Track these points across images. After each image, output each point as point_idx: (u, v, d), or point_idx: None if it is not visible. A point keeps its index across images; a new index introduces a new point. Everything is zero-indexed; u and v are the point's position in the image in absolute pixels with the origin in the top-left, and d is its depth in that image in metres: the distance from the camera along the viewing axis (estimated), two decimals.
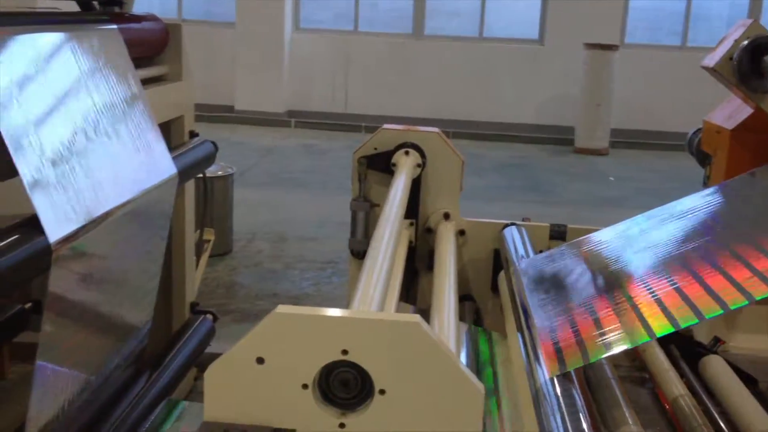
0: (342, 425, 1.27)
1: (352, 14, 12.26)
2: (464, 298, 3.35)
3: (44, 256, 1.81)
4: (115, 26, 2.59)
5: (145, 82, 2.90)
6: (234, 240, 5.77)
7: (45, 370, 2.05)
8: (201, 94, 13.34)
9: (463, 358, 2.73)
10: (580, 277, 2.51)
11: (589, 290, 2.35)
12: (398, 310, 2.83)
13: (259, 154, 9.70)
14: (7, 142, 1.78)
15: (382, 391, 1.25)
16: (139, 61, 2.84)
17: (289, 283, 5.04)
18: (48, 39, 2.17)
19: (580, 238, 2.87)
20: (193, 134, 3.22)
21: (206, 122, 11.31)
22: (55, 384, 2.15)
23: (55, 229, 1.85)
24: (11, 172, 1.82)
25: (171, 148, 2.86)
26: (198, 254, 3.54)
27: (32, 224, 1.83)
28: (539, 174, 9.44)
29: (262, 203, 7.09)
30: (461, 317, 3.13)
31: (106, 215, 2.14)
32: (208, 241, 3.67)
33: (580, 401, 1.77)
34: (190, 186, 3.25)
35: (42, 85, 2.03)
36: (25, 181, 1.81)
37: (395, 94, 11.99)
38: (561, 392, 1.80)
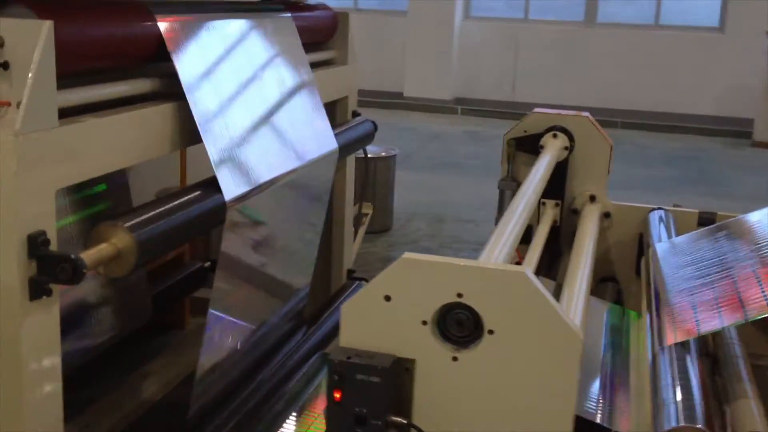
0: (455, 359, 1.47)
1: (522, 1, 12.27)
2: (608, 279, 3.44)
3: (220, 212, 2.11)
4: (288, 14, 2.89)
5: (315, 65, 3.19)
6: (394, 219, 6.05)
7: (216, 318, 2.37)
8: (372, 81, 13.72)
9: (601, 333, 2.85)
10: (721, 252, 2.54)
11: (728, 264, 2.38)
12: None
13: (425, 139, 9.97)
14: (194, 112, 2.09)
15: (491, 332, 1.44)
16: (310, 46, 3.14)
17: None
18: (230, 25, 2.48)
19: (728, 221, 2.89)
20: (355, 114, 3.49)
21: (377, 108, 11.74)
22: (224, 330, 2.48)
23: (230, 189, 2.15)
24: (196, 139, 2.14)
25: (335, 125, 3.14)
26: (356, 226, 3.82)
27: (211, 184, 2.14)
28: (711, 167, 9.12)
29: (423, 185, 7.35)
30: (602, 296, 3.23)
31: (274, 181, 2.44)
32: (366, 214, 3.94)
33: (694, 372, 1.87)
34: (350, 162, 3.52)
35: (224, 64, 2.34)
36: (207, 146, 2.12)
37: (564, 83, 11.90)
38: (677, 363, 1.90)
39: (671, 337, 1.99)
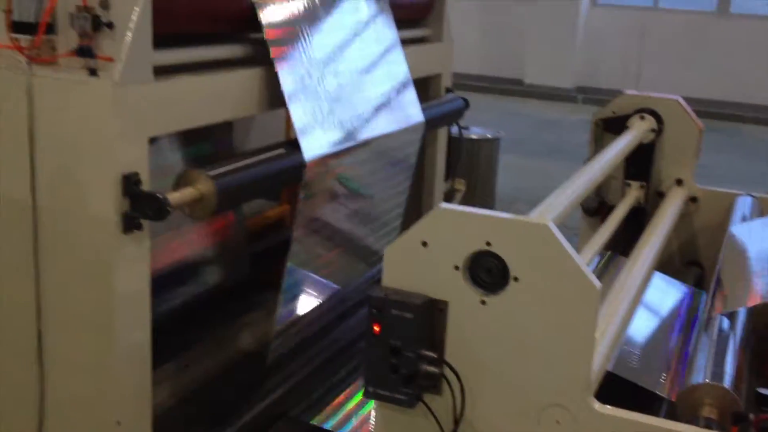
0: (483, 302, 1.60)
1: None
2: (693, 263, 3.44)
3: (298, 171, 2.30)
4: None
5: (409, 41, 3.33)
6: (497, 200, 6.14)
7: (294, 272, 2.56)
8: (492, 67, 13.68)
9: (677, 313, 2.89)
10: None
11: None
12: (610, 260, 3.04)
13: (541, 126, 9.95)
14: (280, 78, 2.28)
15: (516, 279, 1.56)
16: (404, 23, 3.28)
17: None
18: None
19: None
20: (448, 90, 3.61)
21: (495, 94, 11.78)
22: (303, 285, 2.67)
23: (310, 150, 2.34)
24: (282, 103, 2.33)
25: (425, 100, 3.28)
26: (448, 201, 3.95)
27: (294, 144, 2.33)
28: None
29: (531, 170, 7.39)
30: (685, 279, 3.25)
31: (355, 147, 2.61)
32: (459, 190, 4.06)
33: (733, 341, 1.92)
34: (441, 136, 3.65)
35: (312, 34, 2.52)
36: (291, 110, 2.31)
37: (691, 75, 11.56)
38: (718, 332, 1.95)
39: (720, 307, 2.04)
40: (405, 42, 3.20)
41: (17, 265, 1.94)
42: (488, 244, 1.57)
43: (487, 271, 1.59)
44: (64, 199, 1.88)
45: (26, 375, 1.99)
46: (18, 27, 1.86)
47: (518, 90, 12.09)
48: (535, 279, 1.54)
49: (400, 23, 3.15)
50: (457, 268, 1.60)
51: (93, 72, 1.81)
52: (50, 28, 1.85)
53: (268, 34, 2.29)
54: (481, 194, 5.74)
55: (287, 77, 2.32)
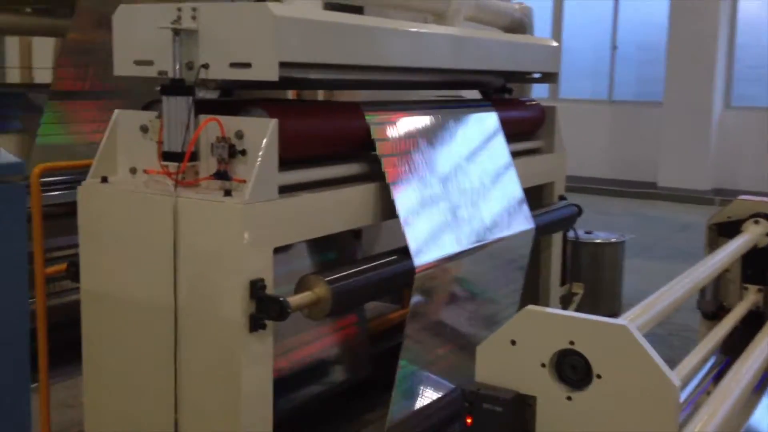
0: (569, 398, 1.71)
1: None
2: None
3: (409, 276, 2.50)
4: (493, 109, 3.28)
5: (522, 153, 3.54)
6: (623, 304, 6.09)
7: (407, 368, 2.72)
8: (624, 171, 13.53)
9: None
10: None
11: None
12: (724, 364, 3.04)
13: (674, 229, 9.78)
14: (393, 194, 2.51)
15: (598, 376, 1.67)
16: (518, 136, 3.50)
17: (663, 346, 5.22)
18: (433, 119, 2.90)
19: None
20: (561, 198, 3.76)
21: (629, 198, 11.70)
22: (416, 382, 2.82)
23: (420, 257, 2.54)
24: (392, 214, 2.56)
25: (538, 207, 3.44)
26: (566, 305, 4.03)
27: (405, 252, 2.54)
28: None
29: (662, 274, 7.24)
30: None
31: (463, 254, 2.79)
32: (576, 294, 4.14)
33: None
34: (556, 241, 3.78)
35: (424, 152, 2.76)
36: (402, 223, 2.52)
37: None
38: None
39: None
40: (520, 153, 3.40)
41: (159, 359, 2.21)
42: (572, 343, 1.69)
43: (572, 369, 1.71)
44: (200, 302, 2.15)
45: None
46: (167, 156, 2.19)
47: (652, 193, 11.96)
48: (617, 376, 1.65)
49: (515, 137, 3.36)
50: (543, 365, 1.73)
51: (228, 192, 2.10)
52: (194, 156, 2.17)
53: (381, 151, 2.54)
54: (606, 298, 5.74)
55: (399, 192, 2.55)
